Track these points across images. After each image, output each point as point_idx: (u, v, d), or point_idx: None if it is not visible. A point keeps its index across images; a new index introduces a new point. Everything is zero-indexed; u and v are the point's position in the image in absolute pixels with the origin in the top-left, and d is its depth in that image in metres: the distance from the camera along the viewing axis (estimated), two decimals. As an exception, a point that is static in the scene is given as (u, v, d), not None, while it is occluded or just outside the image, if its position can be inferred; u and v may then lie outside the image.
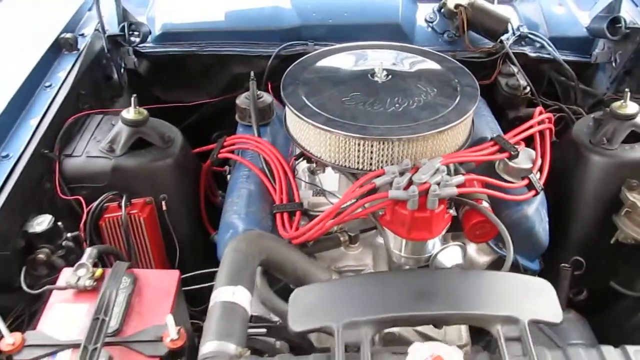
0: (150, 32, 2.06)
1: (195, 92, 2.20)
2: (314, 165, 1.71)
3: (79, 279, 1.30)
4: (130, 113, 1.64)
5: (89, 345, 1.15)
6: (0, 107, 1.55)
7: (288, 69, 1.72)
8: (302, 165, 1.78)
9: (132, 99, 1.65)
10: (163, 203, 1.65)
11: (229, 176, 1.90)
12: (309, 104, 1.58)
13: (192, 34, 2.12)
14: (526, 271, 1.64)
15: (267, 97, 1.93)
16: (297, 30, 2.14)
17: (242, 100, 1.91)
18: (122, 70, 2.05)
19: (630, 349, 0.98)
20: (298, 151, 1.73)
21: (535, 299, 1.05)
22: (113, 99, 2.00)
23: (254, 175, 1.69)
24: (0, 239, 1.35)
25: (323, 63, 1.76)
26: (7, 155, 1.48)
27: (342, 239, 1.57)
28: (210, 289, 1.62)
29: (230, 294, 1.15)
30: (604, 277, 1.78)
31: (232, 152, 1.79)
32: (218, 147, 1.79)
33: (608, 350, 0.98)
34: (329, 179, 1.77)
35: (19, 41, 1.88)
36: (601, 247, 1.71)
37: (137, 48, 2.07)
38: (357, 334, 0.98)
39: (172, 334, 1.18)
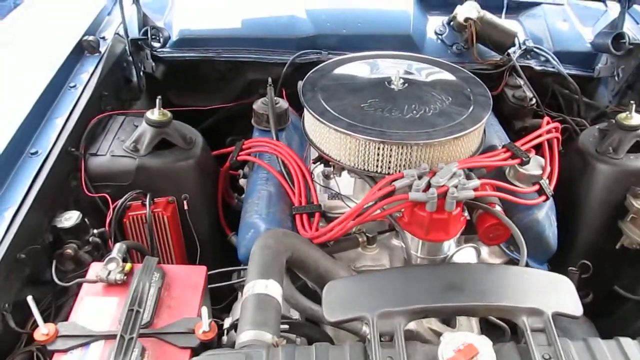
0: (169, 38, 2.11)
1: (211, 97, 2.25)
2: (330, 169, 1.76)
3: (109, 272, 1.34)
4: (154, 114, 1.69)
5: (125, 335, 1.19)
6: (28, 106, 1.58)
7: (307, 76, 1.78)
8: (318, 170, 1.83)
9: (157, 100, 1.69)
10: (185, 202, 1.69)
11: (242, 180, 1.95)
12: (329, 109, 1.63)
13: (209, 40, 2.17)
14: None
15: (283, 103, 1.98)
16: (312, 39, 2.20)
17: (259, 105, 1.96)
18: (141, 73, 2.09)
19: None
20: (312, 156, 1.79)
21: (558, 293, 1.11)
22: (132, 101, 2.04)
23: (272, 177, 1.73)
24: (31, 233, 1.38)
25: (341, 70, 1.82)
26: (36, 152, 1.52)
27: (360, 239, 1.62)
28: (229, 288, 1.67)
29: (263, 286, 1.19)
30: (609, 281, 1.84)
31: (249, 155, 1.84)
32: (237, 149, 1.84)
33: (626, 341, 1.04)
34: (344, 183, 1.82)
35: (43, 43, 1.92)
36: (607, 252, 1.78)
37: (155, 53, 2.12)
38: (390, 324, 1.03)
39: (205, 326, 1.22)
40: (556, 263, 1.77)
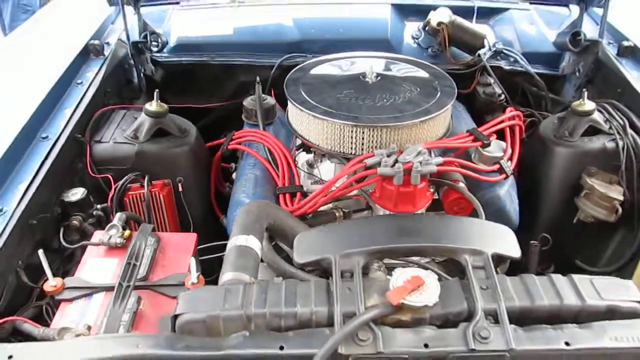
0: (167, 43, 2.31)
1: (205, 98, 2.44)
2: (313, 157, 1.95)
3: (110, 237, 1.52)
4: (153, 106, 1.88)
5: (123, 283, 1.36)
6: (40, 97, 1.78)
7: (291, 72, 1.97)
8: (302, 159, 2.01)
9: (155, 93, 1.89)
10: (180, 185, 1.87)
11: (234, 174, 2.13)
12: (309, 99, 1.82)
13: (204, 46, 2.38)
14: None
15: (271, 100, 2.17)
16: (298, 44, 2.40)
17: (248, 101, 2.15)
18: (142, 75, 2.29)
19: (576, 277, 1.20)
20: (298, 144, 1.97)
21: (499, 239, 1.28)
22: (132, 100, 2.23)
23: (259, 163, 1.91)
24: (41, 204, 1.55)
25: (321, 68, 2.02)
26: (46, 137, 1.70)
27: (337, 214, 1.78)
28: (219, 262, 1.84)
29: (244, 240, 1.36)
30: (570, 255, 2.00)
31: (239, 144, 2.02)
32: (228, 140, 2.02)
33: (557, 277, 1.20)
34: (325, 171, 2.00)
35: (55, 45, 2.13)
36: (566, 226, 1.94)
37: (154, 57, 2.32)
38: (350, 263, 1.19)
39: (194, 277, 1.39)
40: (519, 238, 1.92)
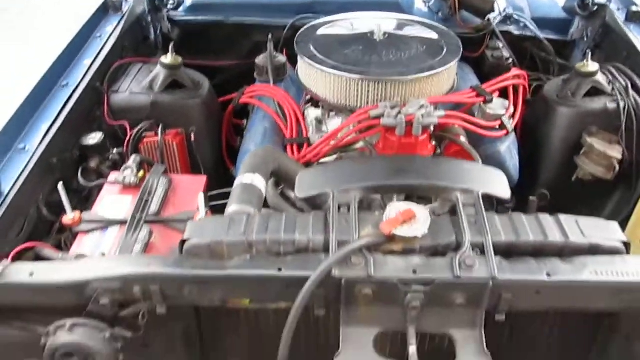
0: (183, 1, 2.39)
1: (220, 58, 2.51)
2: (321, 112, 2.01)
3: (125, 177, 1.61)
4: (168, 58, 1.96)
5: (136, 216, 1.45)
6: (61, 48, 1.86)
7: (301, 29, 2.03)
8: (311, 115, 2.08)
9: (170, 46, 1.96)
10: (192, 135, 1.95)
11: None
12: (317, 54, 1.89)
13: (219, 6, 2.44)
14: (499, 203, 1.92)
15: (282, 58, 2.24)
16: (310, 5, 2.45)
17: (260, 59, 2.22)
18: (158, 33, 2.37)
19: (562, 216, 1.26)
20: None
21: (490, 181, 1.34)
22: (149, 56, 2.31)
23: (269, 116, 1.99)
24: (62, 146, 1.65)
25: (331, 27, 2.08)
26: (66, 84, 1.79)
27: (342, 164, 1.86)
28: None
29: (249, 178, 1.45)
30: (568, 212, 2.04)
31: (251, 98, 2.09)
32: (239, 94, 2.10)
33: (544, 216, 1.26)
34: (333, 126, 2.06)
35: (75, 3, 2.21)
36: (565, 185, 1.99)
37: (170, 15, 2.39)
38: (347, 197, 1.27)
39: (202, 213, 1.47)
40: (520, 194, 1.98)
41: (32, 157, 1.53)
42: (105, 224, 1.49)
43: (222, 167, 2.13)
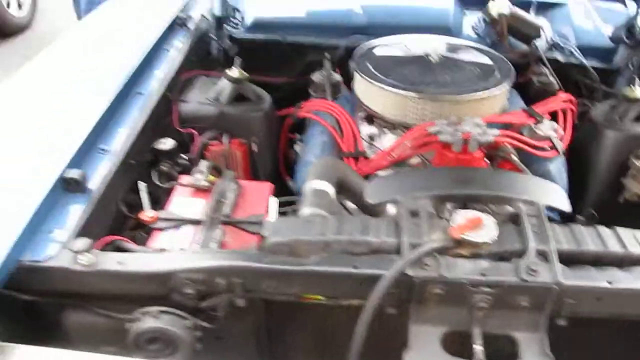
0: (244, 20, 2.51)
1: (274, 74, 2.62)
2: (376, 129, 2.10)
3: (197, 180, 1.71)
4: (234, 72, 2.07)
5: (211, 215, 1.55)
6: (136, 61, 1.98)
7: (358, 48, 2.14)
8: (365, 131, 2.17)
9: (235, 60, 2.08)
10: (254, 145, 2.06)
11: (297, 145, 2.30)
12: (376, 73, 1.99)
13: (277, 25, 2.56)
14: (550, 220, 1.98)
15: (337, 76, 2.35)
16: (364, 27, 2.56)
17: (316, 76, 2.33)
18: (220, 49, 2.49)
19: (619, 229, 1.33)
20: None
21: (551, 194, 1.42)
22: (211, 70, 2.43)
23: (326, 130, 2.08)
24: (138, 149, 1.75)
25: (387, 47, 2.18)
26: (140, 92, 1.91)
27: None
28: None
29: (319, 184, 1.54)
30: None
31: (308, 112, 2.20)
32: (297, 109, 2.21)
33: (602, 228, 1.33)
34: (386, 143, 2.16)
35: (145, 18, 2.35)
36: (612, 205, 2.05)
37: (231, 33, 2.52)
38: (417, 204, 1.35)
39: (273, 215, 1.56)
40: (567, 217, 2.05)
41: (113, 158, 1.64)
42: (180, 223, 1.58)
43: (278, 177, 2.22)
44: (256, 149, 2.07)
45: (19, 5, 6.25)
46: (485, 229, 1.27)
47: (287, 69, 2.63)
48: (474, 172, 1.49)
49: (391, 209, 1.59)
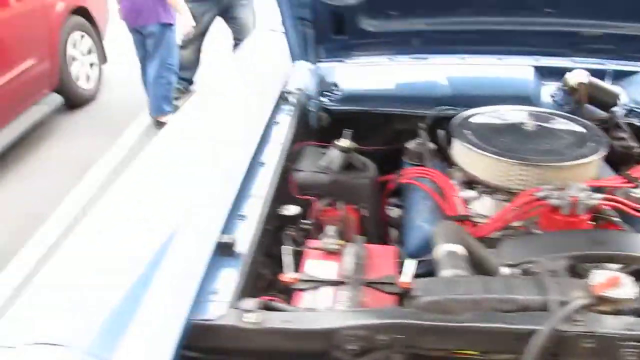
0: (340, 93, 2.72)
1: (363, 143, 2.79)
2: (470, 195, 2.23)
3: (326, 244, 1.85)
4: (344, 142, 2.24)
5: (349, 277, 1.67)
6: (258, 134, 2.18)
7: (454, 118, 2.31)
8: (464, 195, 2.29)
9: (344, 132, 2.26)
10: (364, 210, 2.20)
11: (391, 210, 2.44)
12: (477, 141, 2.14)
13: (366, 97, 2.76)
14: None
15: (430, 144, 2.51)
16: (449, 98, 2.74)
17: (412, 144, 2.50)
18: (317, 120, 2.69)
19: None
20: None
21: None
22: (309, 139, 2.62)
23: (429, 196, 2.22)
24: (269, 215, 1.91)
25: (480, 116, 2.35)
26: (262, 163, 2.09)
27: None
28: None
29: (452, 247, 1.66)
30: None
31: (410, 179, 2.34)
32: (398, 175, 2.36)
33: None
34: (481, 206, 2.28)
35: (249, 91, 2.57)
36: None
37: (324, 105, 2.72)
38: (555, 264, 1.47)
39: (407, 277, 1.68)
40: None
41: (251, 224, 1.79)
42: (319, 284, 1.71)
43: (382, 239, 2.35)
44: (366, 214, 2.21)
45: (87, 79, 6.64)
46: (624, 286, 1.38)
47: (375, 138, 2.81)
48: (606, 234, 1.60)
49: (505, 270, 1.70)
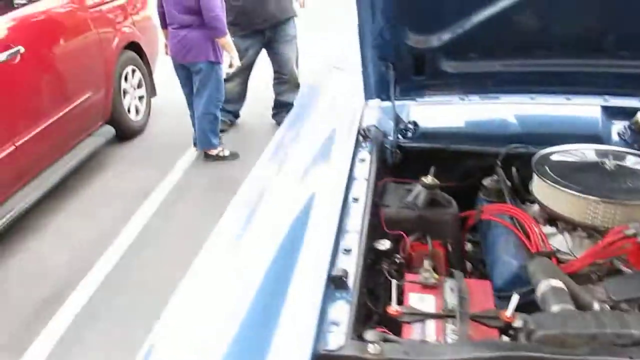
0: (416, 132, 2.82)
1: (438, 179, 2.88)
2: (550, 229, 2.30)
3: (426, 278, 1.93)
4: (429, 179, 2.33)
5: (456, 310, 1.74)
6: (345, 171, 2.28)
7: (535, 156, 2.38)
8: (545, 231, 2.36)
9: (431, 169, 2.35)
10: (449, 245, 2.28)
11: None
12: (559, 179, 2.22)
13: (439, 135, 2.85)
14: None
15: (507, 181, 2.59)
16: (519, 136, 2.82)
17: (488, 182, 2.58)
18: (392, 157, 2.79)
19: None
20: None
21: None
22: (385, 174, 2.71)
23: (511, 231, 2.29)
24: (367, 249, 1.99)
25: (559, 154, 2.42)
26: (356, 199, 2.18)
27: (592, 276, 2.11)
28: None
29: (554, 282, 1.73)
30: None
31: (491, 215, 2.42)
32: (479, 211, 2.44)
33: None
34: (559, 242, 2.35)
35: (326, 128, 2.68)
36: None
37: (399, 142, 2.82)
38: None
39: (510, 312, 1.75)
40: None
41: (354, 258, 1.87)
42: (424, 317, 1.78)
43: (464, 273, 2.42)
44: (451, 249, 2.29)
45: (137, 111, 6.85)
46: None
47: (446, 174, 2.89)
48: None
49: (596, 305, 1.76)
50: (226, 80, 6.46)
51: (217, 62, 6.01)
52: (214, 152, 6.25)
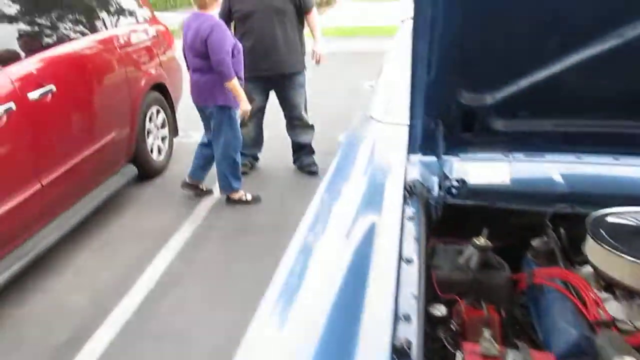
0: (462, 189, 2.77)
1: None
2: (605, 295, 2.22)
3: (487, 349, 1.85)
4: (481, 241, 2.27)
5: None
6: (396, 228, 2.22)
7: (589, 217, 2.32)
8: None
9: (484, 230, 2.29)
10: (502, 310, 2.20)
11: None
12: (617, 244, 2.15)
13: (486, 193, 2.80)
14: None
15: (554, 244, 2.52)
16: (566, 195, 2.76)
17: (537, 242, 2.51)
18: (437, 214, 2.73)
19: None
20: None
21: None
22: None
23: (566, 297, 2.22)
24: (425, 318, 1.92)
25: (614, 217, 2.36)
26: (410, 260, 2.11)
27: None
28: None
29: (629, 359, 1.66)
30: None
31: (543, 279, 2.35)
32: (530, 275, 2.37)
33: None
34: (613, 309, 2.27)
35: (375, 183, 2.64)
36: None
37: (445, 200, 2.77)
38: None
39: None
40: None
41: (414, 326, 1.80)
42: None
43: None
44: (504, 314, 2.21)
45: (159, 151, 6.86)
46: None
47: (493, 234, 2.83)
48: None
49: None
50: (241, 125, 6.43)
51: (226, 106, 5.97)
52: (236, 196, 6.21)
